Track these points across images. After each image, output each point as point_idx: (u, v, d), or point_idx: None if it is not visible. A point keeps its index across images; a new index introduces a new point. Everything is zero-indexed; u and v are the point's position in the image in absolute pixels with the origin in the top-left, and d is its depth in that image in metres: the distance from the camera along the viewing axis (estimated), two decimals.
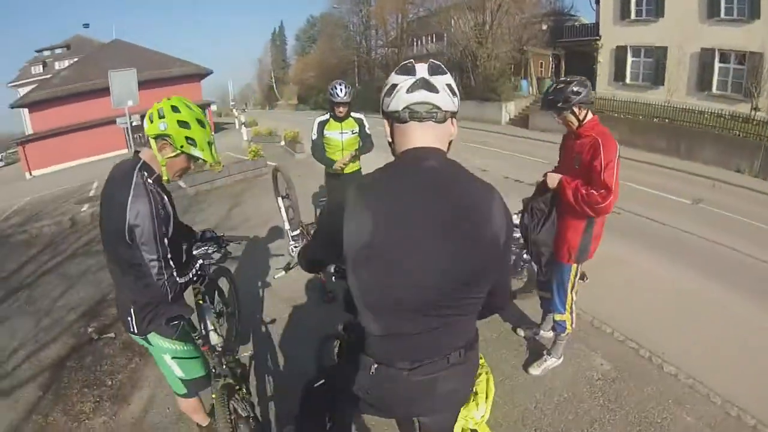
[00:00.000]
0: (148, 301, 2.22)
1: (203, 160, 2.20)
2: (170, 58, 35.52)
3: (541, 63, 26.49)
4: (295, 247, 4.68)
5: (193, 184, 11.08)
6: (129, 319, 2.26)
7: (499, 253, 1.35)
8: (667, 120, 15.68)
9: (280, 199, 5.17)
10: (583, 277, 3.98)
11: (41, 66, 49.41)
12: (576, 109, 2.94)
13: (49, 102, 28.25)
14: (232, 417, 2.37)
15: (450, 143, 1.44)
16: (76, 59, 37.96)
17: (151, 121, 2.08)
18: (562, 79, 3.18)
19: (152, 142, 2.10)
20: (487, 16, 25.83)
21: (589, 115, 3.01)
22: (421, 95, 1.33)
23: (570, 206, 2.97)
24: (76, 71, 30.87)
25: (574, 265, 3.23)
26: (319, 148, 5.22)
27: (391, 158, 1.43)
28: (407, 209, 1.28)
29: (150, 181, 2.07)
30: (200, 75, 36.81)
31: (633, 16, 20.58)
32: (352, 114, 5.11)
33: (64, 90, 27.33)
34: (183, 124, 2.08)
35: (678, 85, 18.89)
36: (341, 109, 4.92)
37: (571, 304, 3.37)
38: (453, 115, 1.39)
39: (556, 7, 28.91)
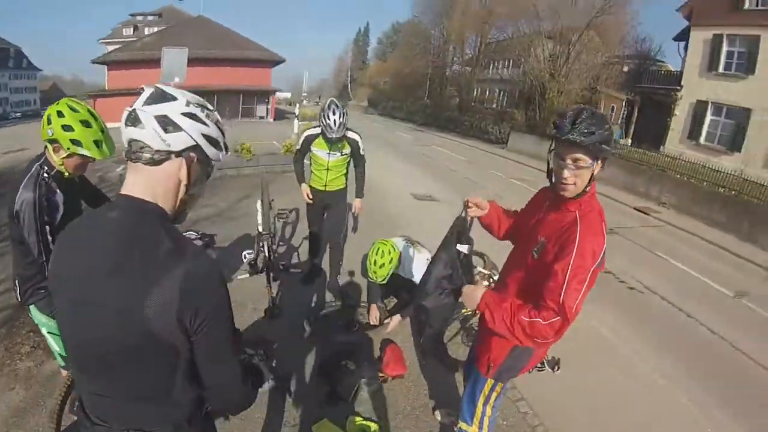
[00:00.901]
0: (30, 275, 2.46)
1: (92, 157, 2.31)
2: (247, 41, 37.38)
3: (613, 107, 25.30)
4: (249, 253, 4.69)
5: (221, 167, 11.10)
6: (15, 289, 2.55)
7: (163, 333, 1.10)
8: (734, 192, 14.29)
9: (259, 202, 5.16)
10: (554, 366, 3.46)
11: (132, 29, 53.89)
12: (598, 165, 1.94)
13: (126, 63, 30.71)
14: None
15: (177, 192, 1.22)
16: (163, 27, 40.35)
17: (43, 127, 2.25)
18: (581, 107, 1.96)
19: (47, 145, 2.30)
20: (566, 48, 24.98)
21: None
22: (127, 131, 1.16)
23: None
24: (159, 39, 32.49)
25: (491, 381, 2.47)
26: (299, 160, 5.07)
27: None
28: (76, 261, 1.16)
29: (45, 175, 2.32)
30: (273, 62, 38.63)
31: (721, 68, 19.33)
32: (348, 134, 4.70)
33: (142, 54, 28.91)
34: (67, 128, 2.19)
35: (756, 154, 17.56)
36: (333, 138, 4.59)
37: (482, 418, 2.57)
38: (179, 154, 1.18)
39: (641, 50, 27.61)
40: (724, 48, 19.28)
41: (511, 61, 32.39)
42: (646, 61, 26.85)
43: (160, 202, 1.18)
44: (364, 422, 3.30)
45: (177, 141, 1.15)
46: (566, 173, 1.91)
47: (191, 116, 1.17)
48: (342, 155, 4.81)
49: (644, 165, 17.23)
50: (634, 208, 14.06)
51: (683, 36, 21.43)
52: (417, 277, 3.87)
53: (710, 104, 19.77)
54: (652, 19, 35.88)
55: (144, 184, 1.16)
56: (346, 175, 5.06)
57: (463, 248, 2.35)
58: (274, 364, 3.30)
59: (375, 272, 3.92)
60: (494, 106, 35.60)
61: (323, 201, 5.10)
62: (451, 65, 42.04)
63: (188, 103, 1.18)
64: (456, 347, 4.47)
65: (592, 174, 1.93)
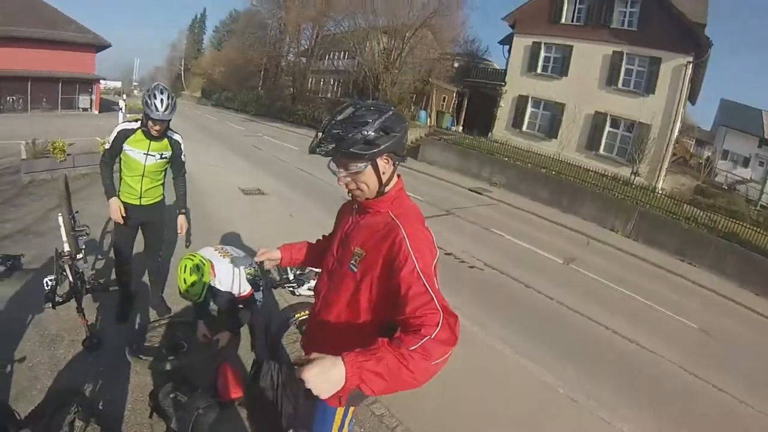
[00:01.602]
0: None
1: None
2: (66, 19, 31.65)
3: (444, 97, 26.42)
4: (50, 280, 3.82)
5: (30, 171, 9.25)
6: None
7: None
8: (554, 172, 15.76)
9: (60, 216, 3.97)
10: None
11: None
12: (382, 162, 1.64)
13: None
14: None
15: None
16: None
17: None
18: (355, 101, 1.71)
19: None
20: (400, 43, 25.59)
21: (394, 178, 1.74)
22: None
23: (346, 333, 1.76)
24: None
25: (342, 408, 1.91)
26: (108, 165, 3.81)
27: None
28: None
29: None
30: (97, 46, 33.24)
31: (539, 70, 21.63)
32: (171, 135, 3.85)
33: None
34: None
35: (570, 140, 20.05)
36: (157, 127, 3.60)
37: None
38: None
39: (471, 49, 29.47)
40: (542, 53, 21.68)
41: (346, 52, 32.43)
42: (475, 59, 28.64)
43: None
44: None
45: None
46: (341, 182, 1.69)
47: None
48: (162, 158, 3.85)
49: (475, 149, 18.30)
50: (469, 189, 14.54)
51: (507, 40, 23.52)
52: (233, 289, 3.71)
53: (530, 98, 21.88)
54: (481, 24, 39.22)
55: None
56: (163, 185, 4.10)
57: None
58: (100, 407, 3.07)
59: (188, 291, 3.50)
60: (328, 95, 35.50)
61: (137, 219, 4.01)
62: (286, 56, 41.31)
63: None
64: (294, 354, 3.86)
65: (381, 172, 1.65)
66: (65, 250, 3.88)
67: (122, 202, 3.87)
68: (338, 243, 1.86)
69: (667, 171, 18.74)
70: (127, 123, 3.75)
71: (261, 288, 3.97)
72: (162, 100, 3.48)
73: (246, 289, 3.76)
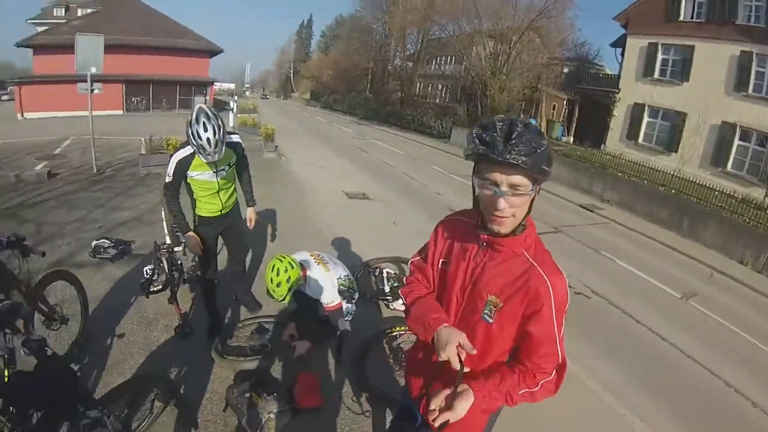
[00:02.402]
0: None
1: None
2: (183, 29, 36.13)
3: (554, 105, 25.57)
4: (149, 269, 4.24)
5: (147, 165, 10.71)
6: None
7: None
8: (673, 190, 14.51)
9: (164, 210, 4.46)
10: None
11: (64, 9, 50.02)
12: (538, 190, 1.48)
13: (53, 48, 28.70)
14: None
15: None
16: (95, 10, 37.81)
17: None
18: (510, 118, 1.42)
19: None
20: (506, 47, 25.11)
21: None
22: None
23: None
24: (88, 23, 30.54)
25: None
26: (174, 198, 3.75)
27: None
28: None
29: None
30: (211, 52, 37.68)
31: (657, 74, 19.99)
32: (229, 138, 3.69)
33: (70, 39, 26.37)
34: None
35: (692, 155, 18.31)
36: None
37: None
38: None
39: (581, 53, 28.40)
40: (660, 56, 19.96)
41: (453, 57, 32.26)
42: (585, 64, 27.50)
43: None
44: None
45: None
46: (502, 204, 1.39)
47: None
48: (230, 166, 3.81)
49: (587, 162, 17.40)
50: (579, 205, 13.98)
51: (620, 42, 22.07)
52: (323, 297, 3.72)
53: (647, 107, 20.31)
54: (591, 25, 37.49)
55: None
56: (235, 189, 4.11)
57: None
58: (181, 391, 3.36)
59: (273, 291, 3.61)
60: (436, 101, 35.55)
61: (219, 228, 4.09)
62: (392, 60, 42.06)
63: None
64: (381, 372, 3.86)
65: (533, 203, 1.47)
66: (165, 243, 4.24)
67: (202, 216, 3.91)
68: (462, 286, 1.66)
69: None
70: (181, 151, 3.58)
71: (354, 300, 3.99)
72: (208, 139, 3.28)
73: (335, 300, 3.74)
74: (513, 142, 1.31)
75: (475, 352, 1.45)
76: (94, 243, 5.10)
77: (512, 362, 1.61)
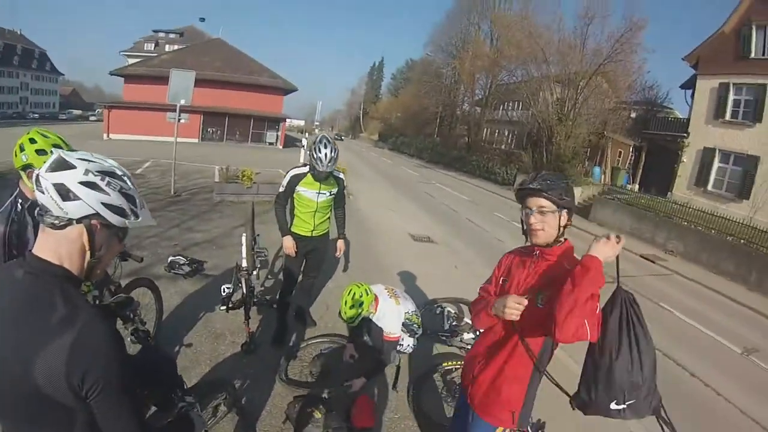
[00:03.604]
0: None
1: None
2: (261, 67, 38.76)
3: (620, 152, 25.38)
4: (227, 287, 4.46)
5: (221, 192, 11.55)
6: None
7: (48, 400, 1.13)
8: (743, 240, 14.11)
9: (244, 236, 4.93)
10: (538, 430, 3.28)
11: (153, 44, 57.32)
12: (564, 215, 2.15)
13: (142, 78, 32.01)
14: None
15: (82, 256, 1.25)
16: (182, 46, 41.78)
17: (15, 155, 2.39)
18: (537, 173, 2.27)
19: (21, 173, 2.41)
20: (573, 93, 25.24)
21: (565, 235, 2.25)
22: (36, 194, 1.20)
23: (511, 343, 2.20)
24: (176, 57, 33.91)
25: (502, 429, 2.30)
26: (282, 207, 4.56)
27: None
28: None
29: (19, 207, 2.39)
30: (285, 90, 39.56)
31: (728, 116, 19.41)
32: (334, 172, 4.44)
33: (159, 71, 29.87)
34: (41, 152, 2.35)
35: (765, 202, 17.45)
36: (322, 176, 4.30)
37: None
38: (79, 221, 1.21)
39: (649, 96, 27.83)
40: (731, 96, 19.37)
41: (520, 103, 32.57)
42: (653, 108, 26.99)
43: (66, 264, 1.22)
44: None
45: (74, 209, 1.19)
46: (533, 219, 2.12)
47: (90, 185, 1.21)
48: (330, 195, 4.53)
49: (651, 211, 17.16)
50: (640, 256, 13.93)
51: (690, 84, 21.62)
52: (386, 327, 4.04)
53: (717, 151, 19.81)
54: (660, 67, 36.51)
55: (49, 245, 1.21)
56: (329, 218, 4.79)
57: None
58: (243, 402, 3.58)
59: (345, 312, 3.97)
60: (502, 147, 35.88)
61: (306, 248, 4.70)
62: (461, 104, 42.73)
63: (87, 172, 1.21)
64: (433, 402, 4.18)
65: (560, 223, 2.13)
66: (244, 266, 4.62)
67: (295, 233, 4.55)
68: (515, 289, 2.22)
69: None
70: (297, 168, 4.40)
71: (417, 335, 4.33)
72: (326, 154, 4.04)
73: (396, 332, 4.05)
74: (537, 178, 2.13)
75: (526, 301, 2.03)
76: (170, 259, 5.36)
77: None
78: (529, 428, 3.34)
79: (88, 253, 1.25)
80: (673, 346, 7.30)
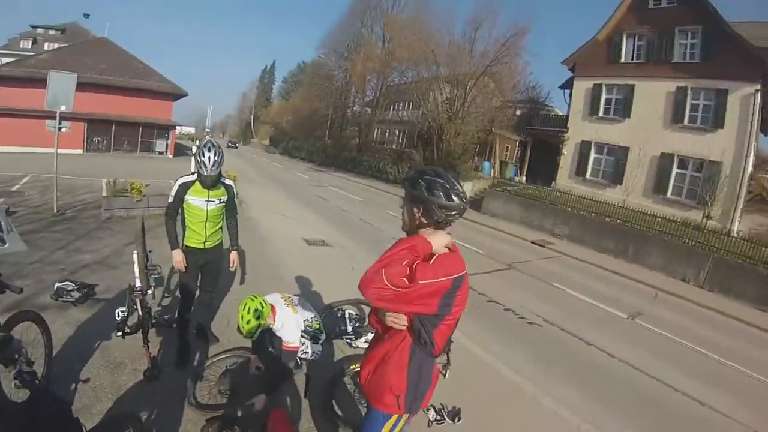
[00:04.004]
0: None
1: None
2: (149, 70, 35.66)
3: (507, 147, 26.69)
4: (122, 311, 4.17)
5: (109, 208, 10.28)
6: None
7: None
8: (619, 221, 15.50)
9: (135, 253, 4.35)
10: (455, 417, 3.58)
11: (31, 42, 50.37)
12: (415, 209, 2.25)
13: (17, 80, 27.52)
14: None
15: None
16: (64, 45, 37.59)
17: None
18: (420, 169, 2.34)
19: None
20: (462, 92, 26.20)
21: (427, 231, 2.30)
22: None
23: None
24: (56, 57, 30.27)
25: (395, 417, 2.30)
26: (172, 219, 4.32)
27: None
28: None
29: None
30: (174, 95, 36.86)
31: (602, 113, 21.54)
32: (223, 179, 4.31)
33: (36, 73, 26.01)
34: None
35: (635, 186, 19.63)
36: (209, 181, 4.12)
37: None
38: None
39: (533, 95, 29.60)
40: (604, 95, 21.58)
41: (410, 103, 33.33)
42: (536, 106, 28.78)
43: None
44: None
45: None
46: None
47: None
48: (220, 203, 4.36)
49: (538, 200, 18.27)
50: (531, 242, 14.65)
51: (568, 84, 23.58)
52: (285, 336, 3.90)
53: (593, 144, 21.73)
54: (542, 69, 39.12)
55: None
56: (222, 228, 4.59)
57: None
58: None
59: (243, 327, 3.76)
60: (393, 146, 36.23)
61: (200, 261, 4.50)
62: (352, 106, 42.85)
63: None
64: (346, 405, 4.12)
65: (413, 215, 2.21)
66: (137, 285, 4.27)
67: (188, 246, 4.36)
68: None
69: (743, 211, 17.91)
70: (185, 177, 4.23)
71: (321, 341, 4.14)
72: (209, 158, 3.97)
73: (295, 342, 3.92)
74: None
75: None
76: (56, 285, 4.72)
77: None
78: (445, 415, 3.88)
79: None
80: (567, 320, 7.66)
